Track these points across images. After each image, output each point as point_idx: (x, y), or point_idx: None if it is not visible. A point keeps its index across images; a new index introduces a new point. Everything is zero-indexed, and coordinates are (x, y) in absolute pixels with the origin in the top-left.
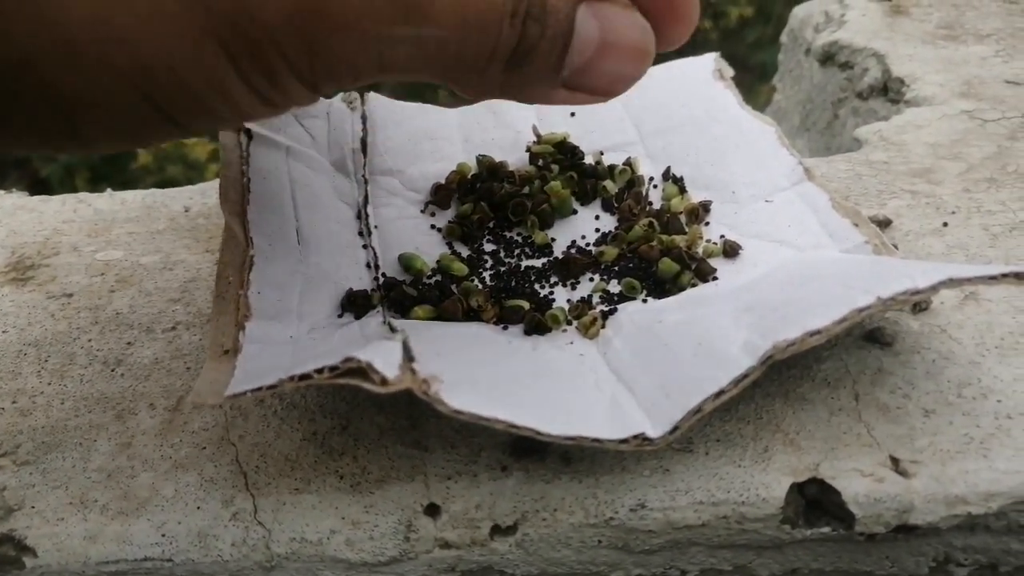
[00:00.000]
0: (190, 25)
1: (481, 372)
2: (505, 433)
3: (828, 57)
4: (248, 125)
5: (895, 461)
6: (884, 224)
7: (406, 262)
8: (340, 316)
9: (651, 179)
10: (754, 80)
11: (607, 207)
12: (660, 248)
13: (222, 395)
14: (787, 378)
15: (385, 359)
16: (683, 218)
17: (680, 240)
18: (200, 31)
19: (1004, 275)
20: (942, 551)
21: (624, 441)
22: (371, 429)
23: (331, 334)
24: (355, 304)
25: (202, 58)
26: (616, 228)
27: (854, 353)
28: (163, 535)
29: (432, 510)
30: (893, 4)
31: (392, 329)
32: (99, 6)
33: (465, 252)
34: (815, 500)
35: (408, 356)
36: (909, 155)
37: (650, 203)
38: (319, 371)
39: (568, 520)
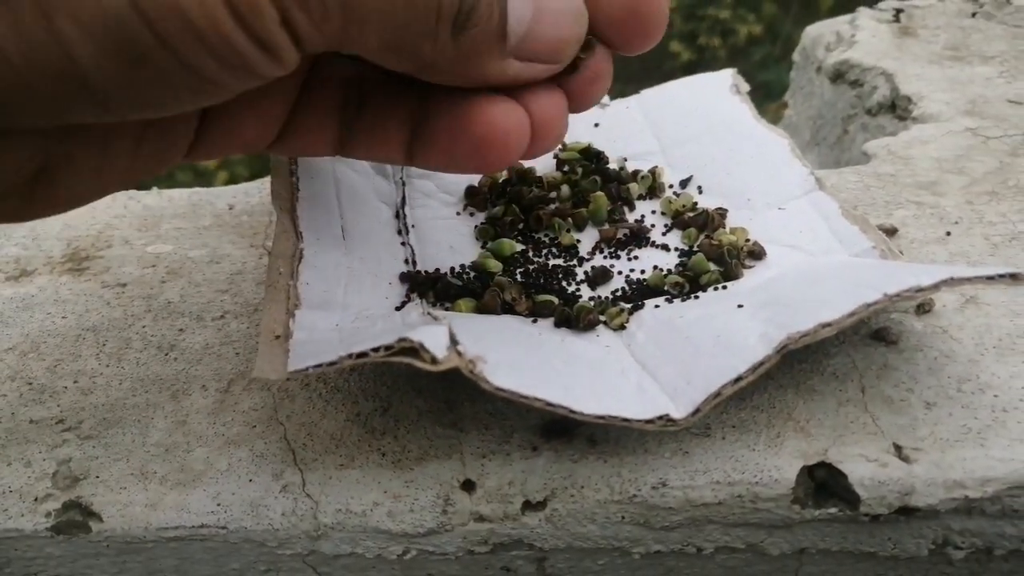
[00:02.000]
0: None
1: (518, 356)
2: (536, 415)
3: (839, 75)
4: None
5: (898, 448)
6: (891, 232)
7: (481, 265)
8: (387, 299)
9: (671, 186)
10: (761, 98)
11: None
12: (716, 246)
13: (283, 371)
14: (798, 371)
15: (434, 341)
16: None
17: (731, 241)
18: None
19: (1001, 275)
20: (941, 534)
21: (650, 421)
22: (410, 411)
23: (374, 323)
24: (416, 283)
25: (215, 19)
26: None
27: (861, 350)
28: (218, 504)
29: (468, 486)
30: (902, 26)
31: (434, 318)
32: None
33: (507, 251)
34: (823, 483)
35: (453, 339)
36: (915, 168)
37: (696, 206)
38: (375, 350)
39: (594, 497)
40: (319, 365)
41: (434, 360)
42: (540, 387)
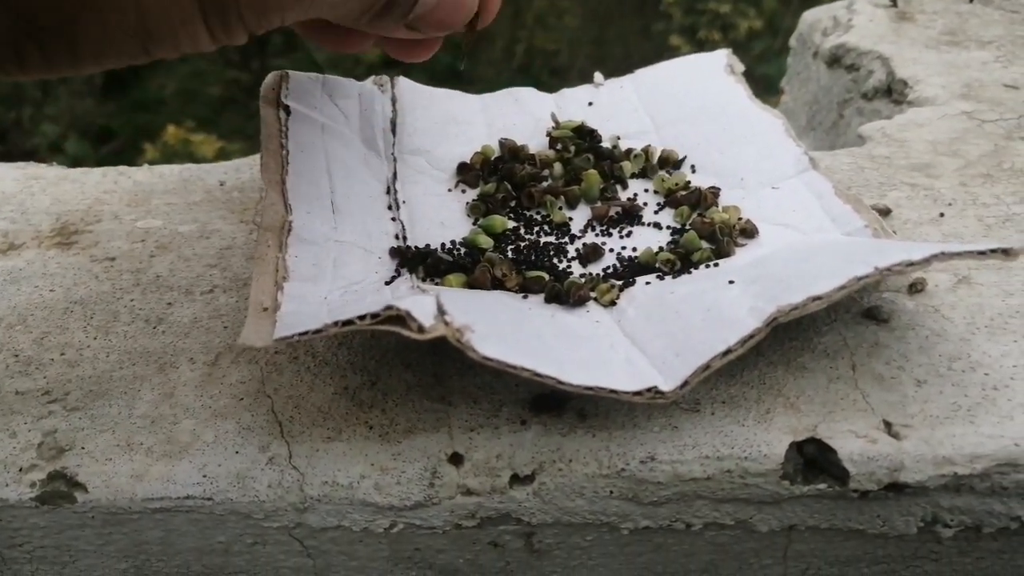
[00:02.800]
0: None
1: (506, 328)
2: (525, 389)
3: (835, 59)
4: (287, 103)
5: (888, 425)
6: (884, 213)
7: (472, 241)
8: (376, 273)
9: (664, 166)
10: (761, 91)
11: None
12: (709, 224)
13: (269, 339)
14: (788, 348)
15: (421, 310)
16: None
17: (724, 219)
18: None
19: (992, 251)
20: (930, 511)
21: (638, 393)
22: (399, 385)
23: (363, 296)
24: (406, 258)
25: (185, 12)
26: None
27: (852, 328)
28: (204, 476)
29: (456, 459)
30: (899, 11)
31: (423, 292)
32: None
33: (498, 227)
34: (812, 460)
35: (441, 310)
36: (910, 151)
37: (688, 185)
38: (361, 318)
39: (583, 471)
40: (305, 333)
41: (421, 329)
42: (528, 358)
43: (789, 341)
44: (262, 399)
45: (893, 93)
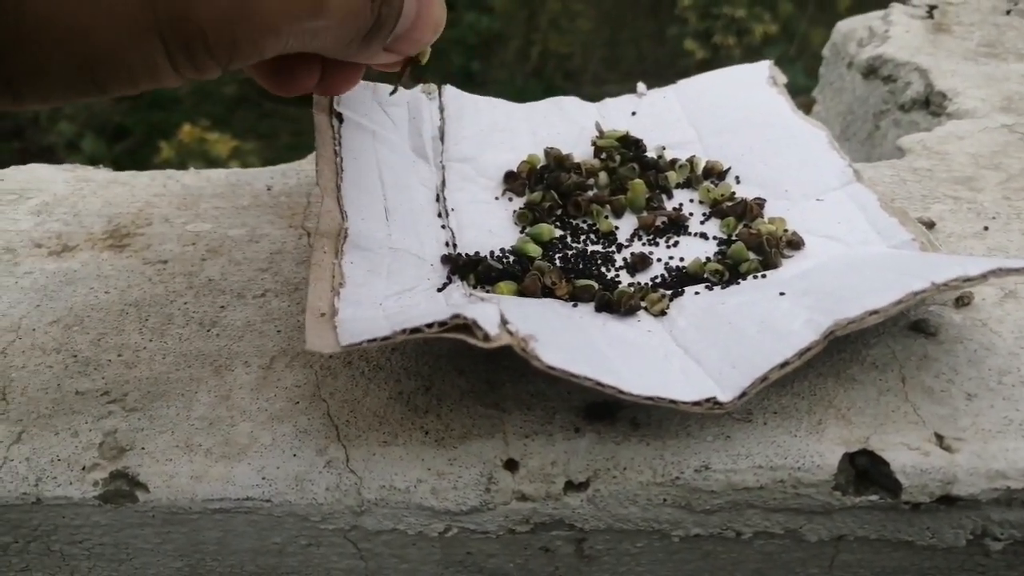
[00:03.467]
0: (139, 23)
1: (565, 337)
2: (578, 396)
3: (872, 70)
4: (339, 110)
5: (939, 438)
6: (929, 226)
7: (520, 249)
8: (428, 280)
9: (709, 177)
10: None
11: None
12: (756, 235)
13: (336, 345)
14: (838, 360)
15: (487, 319)
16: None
17: (770, 230)
18: (146, 27)
19: None
20: (980, 524)
21: (697, 404)
22: (452, 391)
23: (418, 304)
24: (457, 265)
25: (143, 46)
26: (707, 214)
27: (900, 341)
28: (263, 478)
29: (511, 465)
30: (936, 22)
31: (480, 299)
32: (62, 4)
33: (546, 235)
34: (864, 471)
35: (503, 319)
36: (951, 164)
37: (734, 195)
38: (429, 325)
39: (637, 478)
40: (373, 340)
41: (487, 337)
42: (588, 367)
43: (838, 353)
44: (317, 403)
45: (931, 105)
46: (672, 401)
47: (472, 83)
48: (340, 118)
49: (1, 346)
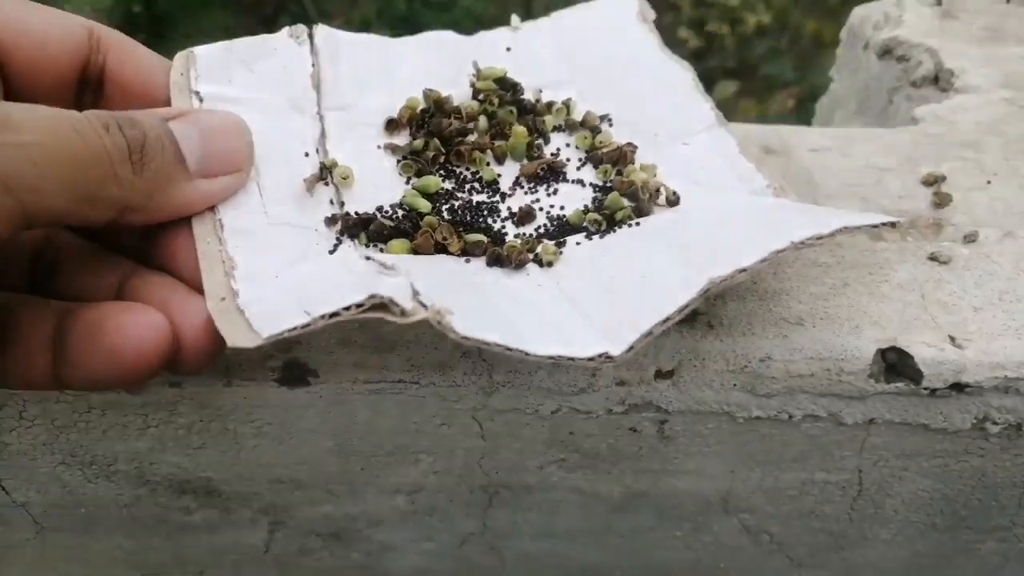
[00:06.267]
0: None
1: (469, 303)
2: None
3: (887, 51)
4: (196, 88)
5: (952, 339)
6: (940, 179)
7: (410, 203)
8: (317, 245)
9: (587, 126)
10: (763, 90)
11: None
12: (629, 183)
13: (258, 338)
14: (871, 282)
15: (401, 294)
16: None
17: (642, 179)
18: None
19: (884, 224)
20: (983, 409)
21: (591, 359)
22: None
23: (316, 272)
24: (347, 225)
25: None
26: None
27: (919, 267)
28: (412, 365)
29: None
30: (944, 9)
31: (384, 265)
32: None
33: (432, 187)
34: (893, 364)
35: (414, 291)
36: (959, 130)
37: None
38: (347, 308)
39: (713, 367)
40: (294, 328)
41: (403, 313)
42: (497, 333)
43: (869, 275)
44: None
45: (940, 81)
46: (570, 358)
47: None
48: (200, 96)
49: None
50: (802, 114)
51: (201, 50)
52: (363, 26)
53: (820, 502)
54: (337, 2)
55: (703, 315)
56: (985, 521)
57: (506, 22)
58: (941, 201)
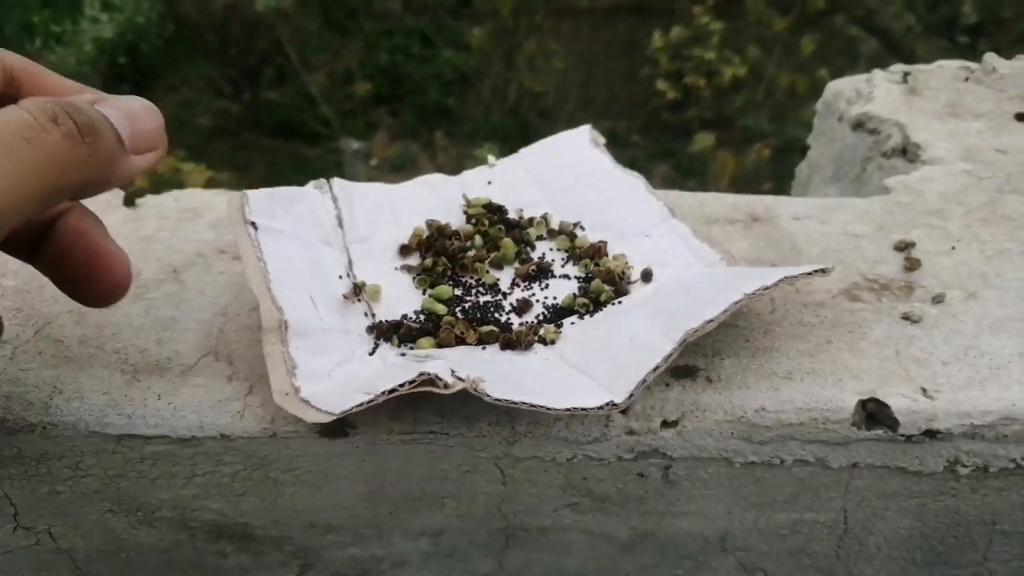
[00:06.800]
0: None
1: (496, 376)
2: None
3: (859, 124)
4: (251, 219)
5: (924, 390)
6: (910, 245)
7: (429, 309)
8: (359, 348)
9: (560, 231)
10: (740, 142)
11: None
12: (607, 271)
13: (331, 415)
14: (850, 339)
15: (443, 372)
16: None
17: (616, 266)
18: None
19: (817, 271)
20: (953, 453)
21: (601, 408)
22: None
23: (362, 367)
24: (381, 331)
25: None
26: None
27: (894, 327)
28: (441, 416)
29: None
30: (909, 86)
31: (418, 356)
32: None
33: (446, 295)
34: (872, 413)
35: (452, 370)
36: (925, 199)
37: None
38: (401, 385)
39: (712, 417)
40: (361, 404)
41: (447, 386)
42: (522, 395)
43: (849, 334)
44: None
45: (908, 153)
46: (583, 409)
47: (448, 119)
48: (255, 226)
49: (218, 325)
50: (777, 165)
51: (251, 193)
52: (345, 75)
53: (809, 540)
54: (319, 55)
55: (703, 371)
56: (960, 556)
57: (485, 73)
58: (911, 265)
